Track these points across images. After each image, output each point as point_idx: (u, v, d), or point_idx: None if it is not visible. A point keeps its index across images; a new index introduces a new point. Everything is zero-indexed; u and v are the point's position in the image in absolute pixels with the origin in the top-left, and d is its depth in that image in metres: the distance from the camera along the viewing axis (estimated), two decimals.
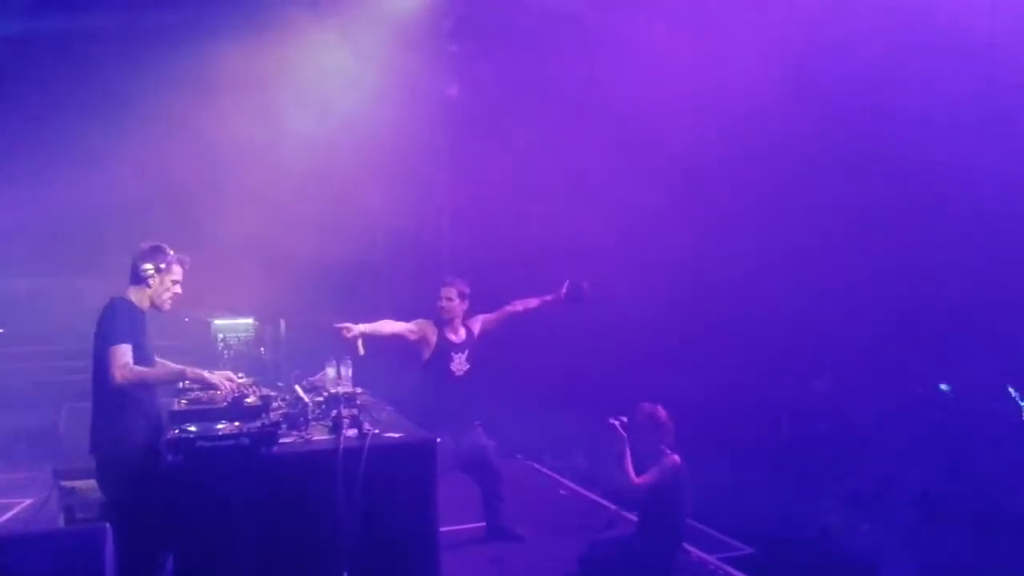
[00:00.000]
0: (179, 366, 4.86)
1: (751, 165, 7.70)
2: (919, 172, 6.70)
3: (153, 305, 4.75)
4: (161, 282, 4.72)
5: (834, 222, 7.31)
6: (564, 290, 6.26)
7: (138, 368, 4.54)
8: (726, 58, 7.46)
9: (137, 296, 4.73)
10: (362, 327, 5.48)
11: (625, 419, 5.26)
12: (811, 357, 7.77)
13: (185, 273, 4.84)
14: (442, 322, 6.08)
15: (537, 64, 9.26)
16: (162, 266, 4.71)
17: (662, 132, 7.98)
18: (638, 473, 5.43)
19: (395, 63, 9.60)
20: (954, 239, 6.60)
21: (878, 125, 6.91)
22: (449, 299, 6.05)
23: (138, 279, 4.71)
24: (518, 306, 6.32)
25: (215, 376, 4.74)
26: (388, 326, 5.84)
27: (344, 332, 5.38)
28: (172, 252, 4.78)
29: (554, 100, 9.16)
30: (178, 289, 4.81)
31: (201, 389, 4.98)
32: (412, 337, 5.98)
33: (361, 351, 5.38)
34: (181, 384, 5.13)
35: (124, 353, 4.48)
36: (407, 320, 6.03)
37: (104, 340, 4.52)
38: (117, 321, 4.56)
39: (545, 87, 9.22)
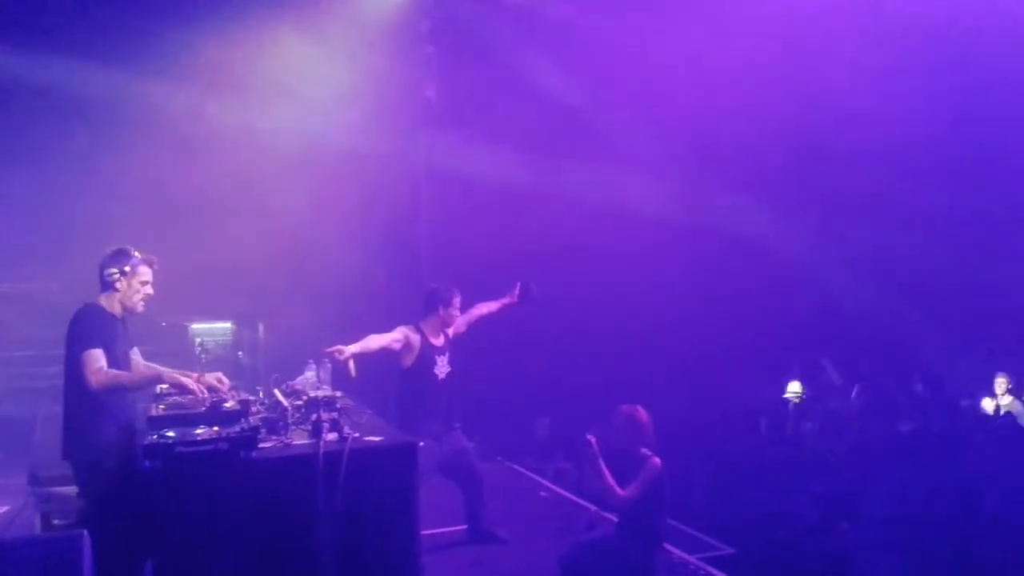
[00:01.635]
0: (155, 370, 4.81)
1: (734, 165, 7.76)
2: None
3: (125, 309, 4.69)
4: (129, 285, 4.65)
5: (812, 222, 7.38)
6: (517, 292, 6.42)
7: (113, 372, 4.48)
8: (705, 55, 7.50)
9: (108, 302, 4.66)
10: (352, 348, 5.44)
11: (594, 439, 5.27)
12: (788, 358, 7.83)
13: (155, 273, 4.76)
14: (427, 328, 6.08)
15: (514, 66, 9.27)
16: (127, 269, 4.64)
17: (643, 131, 8.03)
18: (618, 478, 5.45)
19: (372, 64, 9.58)
20: (947, 243, 6.67)
21: (860, 125, 6.98)
22: (457, 308, 6.11)
23: (106, 285, 4.65)
24: (482, 309, 6.43)
25: (206, 378, 4.67)
26: (375, 341, 5.80)
27: (336, 355, 5.36)
28: (137, 254, 4.71)
29: (532, 101, 9.17)
30: (149, 290, 4.73)
31: (179, 394, 4.93)
32: (397, 347, 5.96)
33: (353, 373, 5.36)
34: (159, 389, 5.08)
35: (97, 358, 4.42)
36: (384, 325, 6.01)
37: (75, 345, 4.46)
38: (88, 326, 4.50)
39: (523, 88, 9.24)
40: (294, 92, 9.69)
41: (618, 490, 5.23)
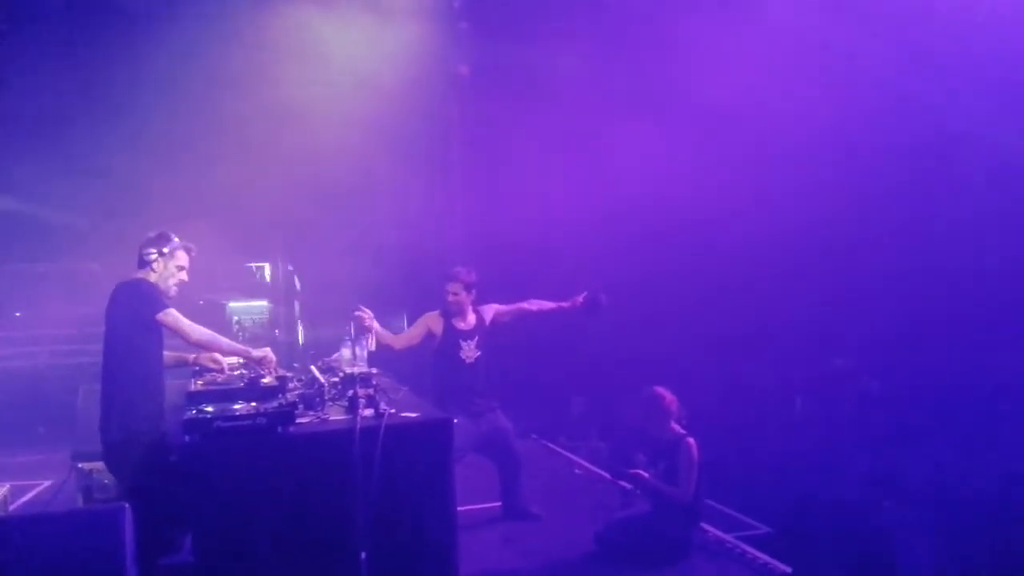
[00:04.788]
0: (243, 347, 4.92)
1: (771, 148, 7.63)
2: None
3: (160, 293, 4.75)
4: (165, 267, 4.72)
5: (855, 203, 7.24)
6: (581, 300, 6.26)
7: (211, 332, 4.66)
8: (747, 53, 7.37)
9: (145, 278, 4.73)
10: (378, 326, 5.56)
11: (629, 486, 5.46)
12: (830, 336, 7.72)
13: (191, 260, 4.84)
14: (450, 312, 6.09)
15: (549, 44, 9.18)
16: (165, 251, 4.71)
17: (683, 111, 7.92)
18: (653, 457, 5.46)
19: (404, 41, 9.53)
20: (978, 228, 6.52)
21: (891, 122, 6.83)
22: (455, 294, 6.06)
23: (143, 264, 4.72)
24: (533, 306, 6.34)
25: (258, 352, 4.81)
26: (399, 342, 5.96)
27: (362, 317, 5.39)
28: (177, 239, 4.78)
29: (566, 82, 9.08)
30: (184, 276, 4.81)
31: (218, 370, 5.00)
32: (417, 341, 6.08)
33: (372, 346, 5.42)
34: (194, 366, 5.16)
35: (179, 315, 4.55)
36: (418, 305, 6.06)
37: (147, 310, 4.53)
38: (153, 292, 4.60)
39: (557, 68, 9.14)
40: (326, 69, 9.68)
41: (676, 493, 5.26)
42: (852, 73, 6.98)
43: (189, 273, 4.83)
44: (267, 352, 4.85)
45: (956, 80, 6.37)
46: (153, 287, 4.65)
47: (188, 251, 4.83)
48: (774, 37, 7.44)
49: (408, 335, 6.10)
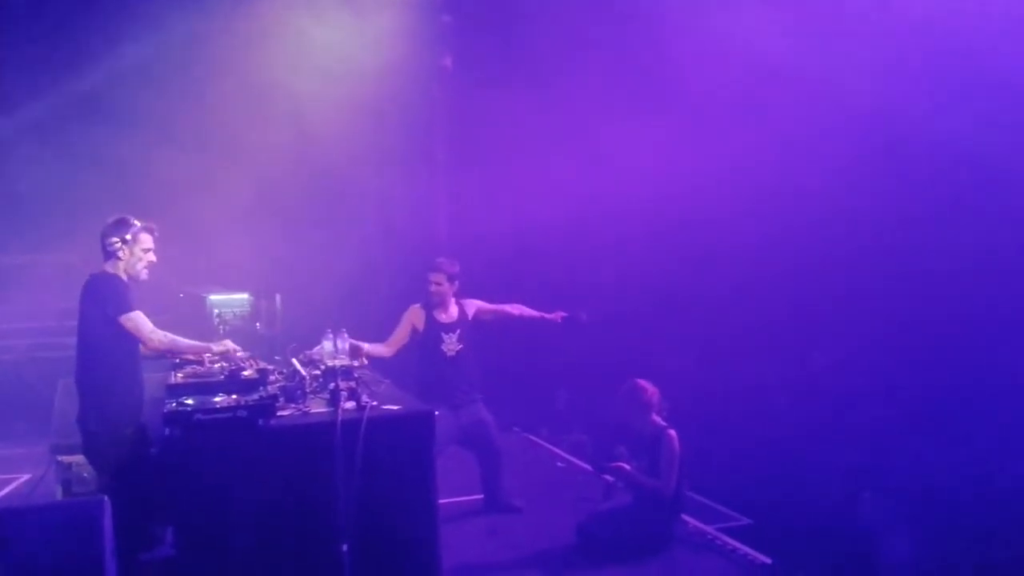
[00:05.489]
0: (203, 344, 4.92)
1: (760, 143, 7.62)
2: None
3: (130, 277, 4.73)
4: (131, 253, 4.71)
5: (835, 198, 7.26)
6: (561, 317, 6.29)
7: (171, 335, 4.65)
8: (748, 42, 7.34)
9: (113, 271, 4.71)
10: (366, 346, 5.65)
11: (611, 478, 5.57)
12: (809, 328, 7.76)
13: (156, 240, 4.82)
14: (431, 304, 6.10)
15: (533, 35, 9.16)
16: (128, 237, 4.69)
17: (667, 101, 7.91)
18: (633, 449, 5.50)
19: (388, 33, 9.50)
20: (969, 219, 6.55)
21: (878, 121, 6.85)
22: (438, 283, 6.08)
23: (108, 254, 4.70)
24: (515, 310, 6.37)
25: (220, 346, 4.86)
26: (390, 349, 6.03)
27: (357, 347, 5.46)
28: (137, 222, 4.75)
29: (550, 73, 9.06)
30: (152, 257, 4.80)
31: (198, 362, 4.98)
32: (407, 339, 6.14)
33: (365, 361, 5.51)
34: (176, 359, 5.14)
35: (145, 319, 4.56)
36: (399, 299, 6.10)
37: (112, 310, 4.53)
38: (118, 289, 4.59)
39: (541, 60, 9.12)
40: (309, 62, 9.63)
41: (658, 486, 5.30)
42: (858, 67, 6.97)
43: (157, 254, 4.82)
44: (227, 344, 4.89)
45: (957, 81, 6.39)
46: (120, 284, 4.62)
47: (151, 231, 4.81)
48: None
49: (395, 338, 6.13)
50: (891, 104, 6.62)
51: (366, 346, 5.65)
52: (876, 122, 6.86)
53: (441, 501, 4.61)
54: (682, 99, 7.91)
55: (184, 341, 4.80)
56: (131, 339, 4.64)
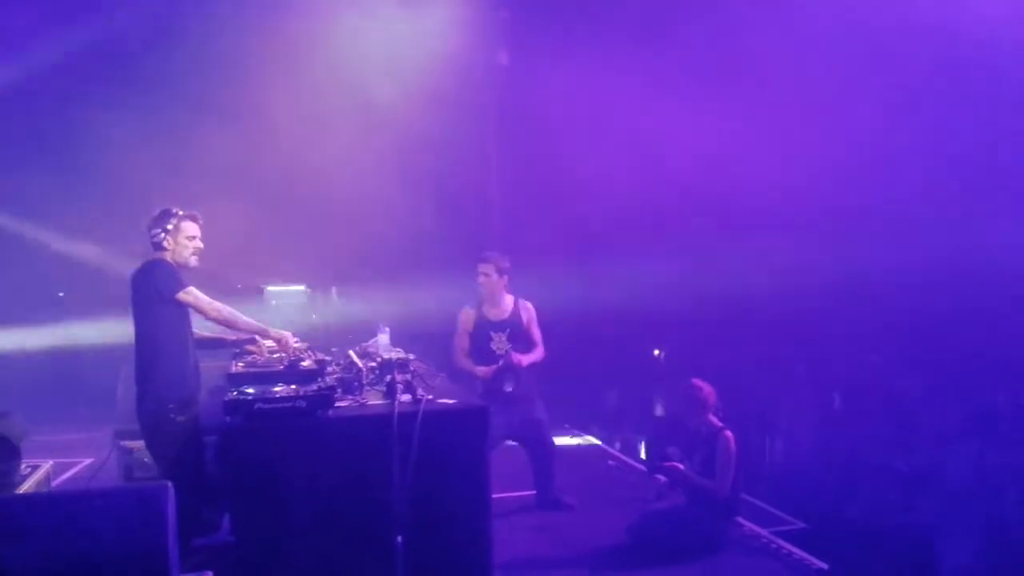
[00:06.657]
0: (261, 325, 4.98)
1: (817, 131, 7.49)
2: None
3: (179, 266, 4.80)
4: (176, 242, 4.79)
5: (890, 197, 7.12)
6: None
7: (230, 309, 4.73)
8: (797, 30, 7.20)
9: (161, 258, 4.79)
10: (478, 370, 5.97)
11: (664, 478, 5.56)
12: (866, 333, 7.62)
13: (201, 227, 4.89)
14: (480, 300, 6.09)
15: (590, 32, 9.12)
16: (170, 227, 4.77)
17: (736, 97, 7.81)
18: (688, 449, 5.45)
19: (444, 30, 9.53)
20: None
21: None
22: (487, 275, 6.05)
23: (155, 246, 4.79)
24: (535, 353, 6.16)
25: (275, 332, 4.92)
26: (468, 362, 6.09)
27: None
28: (180, 212, 4.82)
29: (607, 71, 9.01)
30: (198, 244, 4.87)
31: (256, 352, 5.07)
32: (469, 339, 6.14)
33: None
34: (233, 347, 5.23)
35: (199, 293, 4.65)
36: (453, 292, 6.27)
37: (167, 291, 4.62)
38: (170, 271, 4.68)
39: (598, 57, 9.07)
40: (364, 59, 9.69)
41: (714, 487, 5.25)
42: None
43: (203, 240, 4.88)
44: (284, 334, 4.94)
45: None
46: (170, 265, 4.72)
47: (194, 219, 4.88)
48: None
49: (462, 349, 6.13)
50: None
51: (475, 368, 5.92)
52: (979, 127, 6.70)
53: (493, 496, 4.60)
54: (757, 97, 7.79)
55: (243, 317, 4.86)
56: (181, 323, 4.74)
